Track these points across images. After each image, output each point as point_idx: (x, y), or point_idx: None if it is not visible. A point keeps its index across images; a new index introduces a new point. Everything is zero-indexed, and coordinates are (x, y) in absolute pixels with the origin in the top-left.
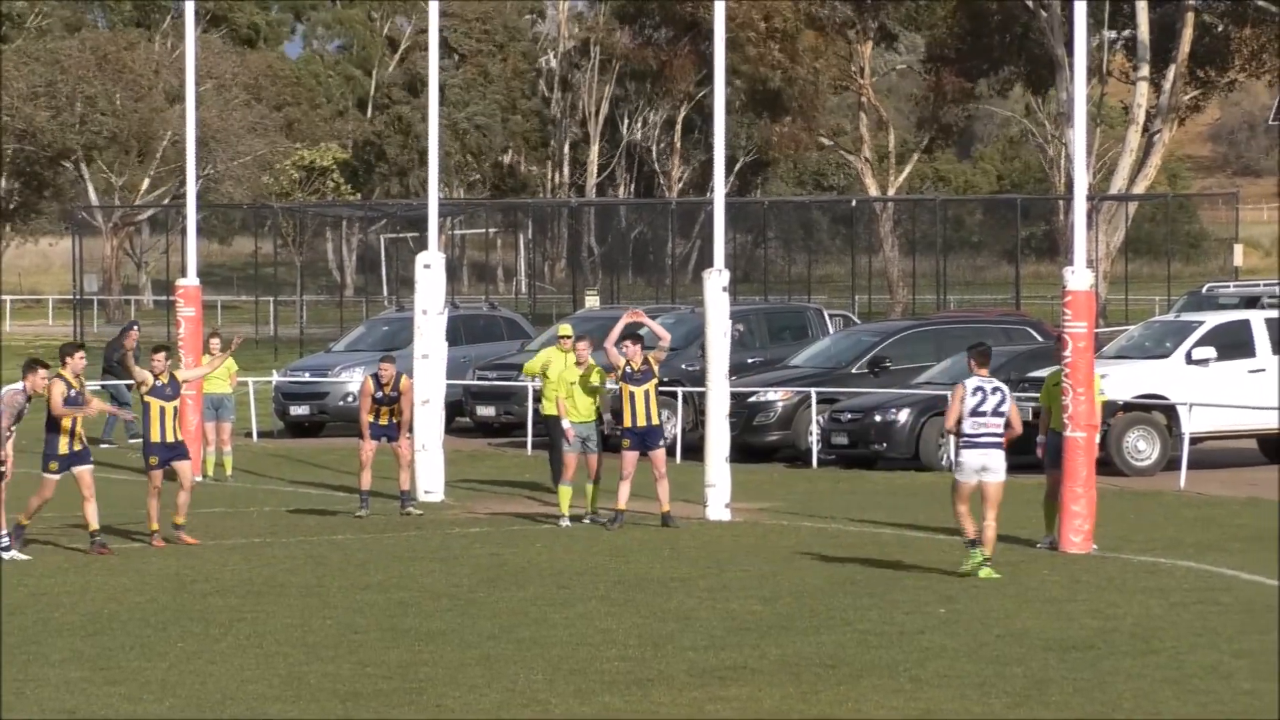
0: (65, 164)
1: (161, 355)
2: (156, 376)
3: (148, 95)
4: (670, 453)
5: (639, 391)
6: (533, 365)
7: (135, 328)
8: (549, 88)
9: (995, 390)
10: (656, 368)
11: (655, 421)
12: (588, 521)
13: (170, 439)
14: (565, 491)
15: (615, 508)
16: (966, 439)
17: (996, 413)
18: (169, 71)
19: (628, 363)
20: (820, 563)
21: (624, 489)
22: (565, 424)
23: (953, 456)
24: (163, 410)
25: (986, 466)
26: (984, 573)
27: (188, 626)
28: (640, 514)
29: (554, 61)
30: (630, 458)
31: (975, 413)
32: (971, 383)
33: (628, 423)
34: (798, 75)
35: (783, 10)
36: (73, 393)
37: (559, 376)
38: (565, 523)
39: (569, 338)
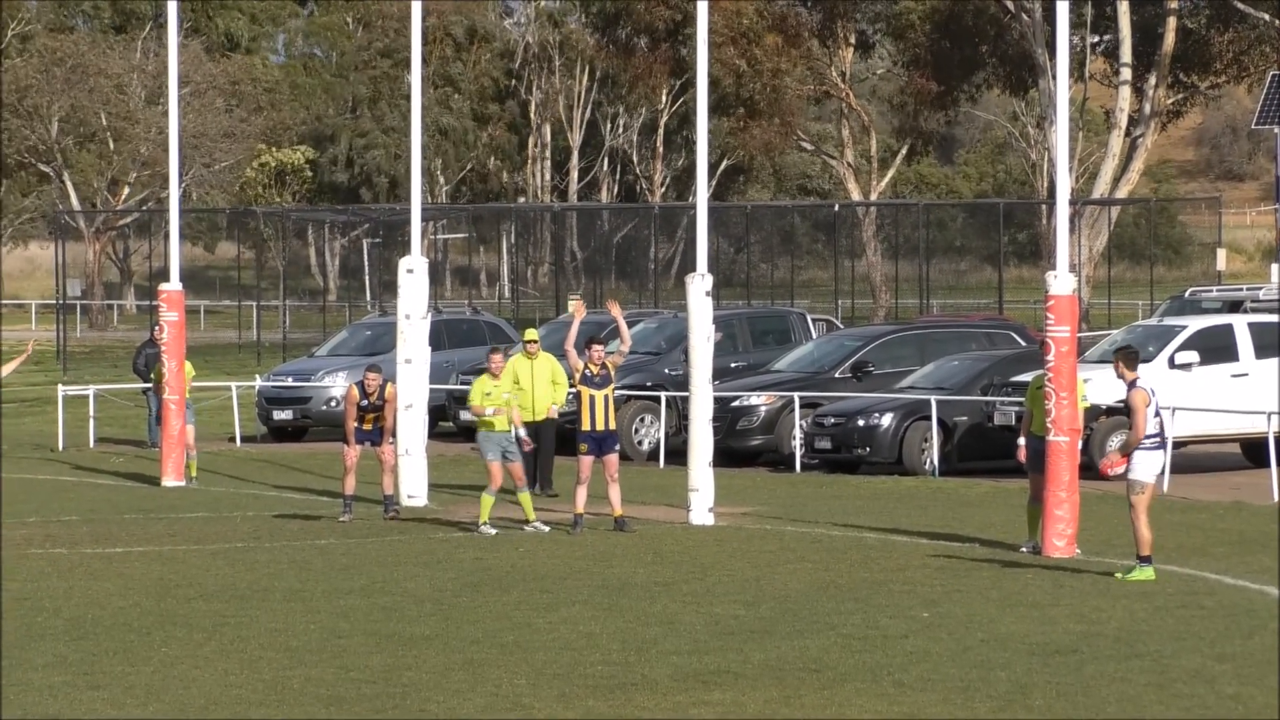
0: (45, 167)
1: None
2: None
3: (116, 99)
4: (653, 457)
5: (599, 395)
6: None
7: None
8: (526, 92)
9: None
10: (614, 372)
11: (613, 426)
12: (529, 530)
13: None
14: (487, 500)
15: (575, 512)
16: (1158, 438)
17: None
18: (146, 76)
19: (587, 365)
20: (804, 567)
21: (581, 493)
22: (521, 432)
23: (1105, 458)
24: None
25: (1164, 467)
26: (1148, 574)
27: (171, 631)
28: (604, 517)
29: (527, 59)
30: (587, 462)
31: (1157, 413)
32: (1146, 384)
33: (585, 426)
34: (762, 73)
35: (748, 13)
36: None
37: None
38: (488, 529)
39: (535, 343)
